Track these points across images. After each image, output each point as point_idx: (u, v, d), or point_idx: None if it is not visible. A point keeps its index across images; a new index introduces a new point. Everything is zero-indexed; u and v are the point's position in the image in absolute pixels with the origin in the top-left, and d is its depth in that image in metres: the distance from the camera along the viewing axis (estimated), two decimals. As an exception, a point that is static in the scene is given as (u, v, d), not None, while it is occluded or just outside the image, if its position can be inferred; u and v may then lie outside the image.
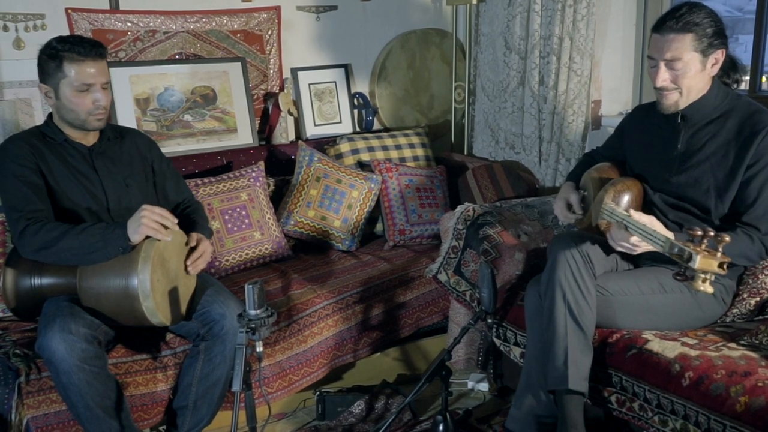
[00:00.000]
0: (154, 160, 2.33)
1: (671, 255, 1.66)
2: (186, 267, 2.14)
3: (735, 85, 2.05)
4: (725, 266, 1.57)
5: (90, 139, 2.19)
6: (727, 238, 1.59)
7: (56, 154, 2.12)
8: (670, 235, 1.76)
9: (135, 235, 1.96)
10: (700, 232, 1.60)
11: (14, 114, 2.68)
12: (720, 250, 1.59)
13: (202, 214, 2.37)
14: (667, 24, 1.91)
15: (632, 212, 1.87)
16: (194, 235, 2.18)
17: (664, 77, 1.94)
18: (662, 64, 1.93)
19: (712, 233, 1.59)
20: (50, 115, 2.17)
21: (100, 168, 2.17)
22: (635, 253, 1.94)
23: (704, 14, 1.90)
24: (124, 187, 2.20)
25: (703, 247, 1.59)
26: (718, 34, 1.91)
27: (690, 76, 1.92)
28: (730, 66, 2.03)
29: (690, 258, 1.59)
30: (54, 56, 2.04)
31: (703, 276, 1.58)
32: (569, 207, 2.22)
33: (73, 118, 2.10)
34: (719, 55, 1.94)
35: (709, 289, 1.59)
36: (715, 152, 1.98)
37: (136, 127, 2.91)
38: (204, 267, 2.19)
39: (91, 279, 1.99)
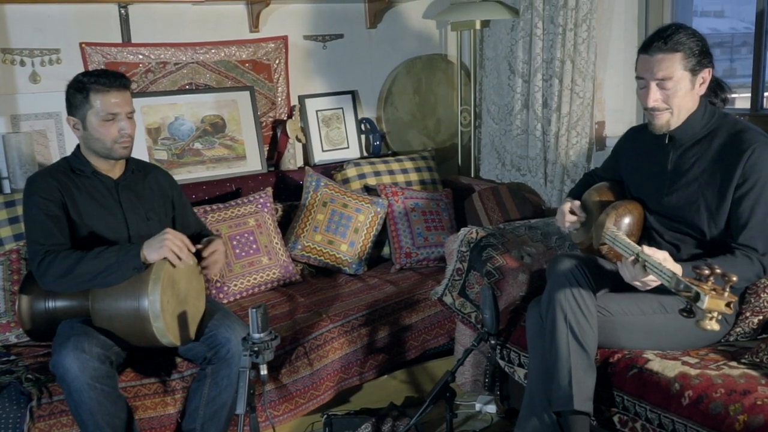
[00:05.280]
0: (174, 195, 2.41)
1: (677, 291, 1.65)
2: (202, 270, 2.24)
3: (722, 104, 2.07)
4: (732, 305, 1.56)
5: (116, 171, 2.27)
6: (735, 278, 1.58)
7: (82, 187, 2.19)
8: (678, 269, 1.75)
9: (153, 254, 2.03)
10: (707, 271, 1.59)
11: (30, 145, 2.76)
12: (727, 289, 1.57)
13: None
14: (654, 44, 1.93)
15: (645, 248, 1.82)
16: (204, 242, 2.27)
17: (655, 97, 1.96)
18: (653, 84, 1.95)
19: (719, 270, 1.59)
20: (78, 147, 2.24)
21: (124, 201, 2.25)
22: (647, 289, 1.89)
23: (690, 34, 1.93)
24: (146, 220, 2.27)
25: (710, 285, 1.58)
26: (704, 53, 1.94)
27: (681, 95, 1.94)
28: (716, 86, 2.05)
29: (698, 297, 1.57)
30: (81, 89, 2.14)
31: (710, 315, 1.57)
32: (572, 213, 2.22)
33: (99, 147, 2.18)
34: (706, 74, 1.96)
35: (716, 327, 1.58)
36: (703, 172, 2.00)
37: (147, 157, 3.00)
38: (221, 265, 2.30)
39: (103, 301, 2.04)
